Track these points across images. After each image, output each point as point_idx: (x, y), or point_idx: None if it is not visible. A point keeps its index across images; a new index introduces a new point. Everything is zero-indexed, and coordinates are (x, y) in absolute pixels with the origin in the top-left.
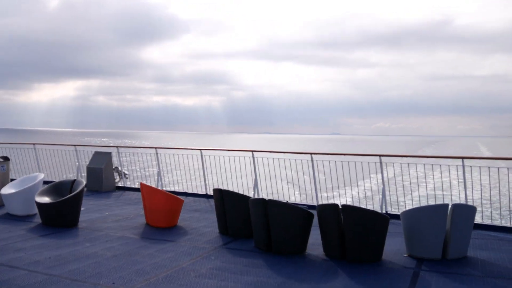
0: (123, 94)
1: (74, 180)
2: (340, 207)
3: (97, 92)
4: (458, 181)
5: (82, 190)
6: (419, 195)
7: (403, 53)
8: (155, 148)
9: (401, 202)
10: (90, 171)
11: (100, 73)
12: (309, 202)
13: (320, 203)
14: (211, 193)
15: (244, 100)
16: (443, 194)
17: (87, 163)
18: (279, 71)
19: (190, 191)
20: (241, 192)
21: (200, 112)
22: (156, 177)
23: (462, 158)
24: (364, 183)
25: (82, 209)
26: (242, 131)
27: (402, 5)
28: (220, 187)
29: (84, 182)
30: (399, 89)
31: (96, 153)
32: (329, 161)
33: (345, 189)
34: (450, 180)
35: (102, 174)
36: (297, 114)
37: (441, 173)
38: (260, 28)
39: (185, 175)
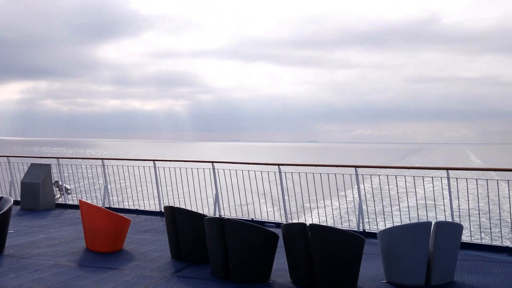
0: (75, 98)
1: (1, 198)
2: (308, 225)
3: (45, 95)
4: (443, 195)
5: (9, 210)
6: (399, 211)
7: (387, 54)
8: (101, 159)
9: (380, 219)
10: (25, 186)
11: (49, 74)
12: (277, 220)
13: (289, 221)
14: None
15: (211, 104)
16: (426, 210)
17: (22, 177)
18: (251, 72)
19: (141, 208)
20: (200, 209)
21: (162, 118)
22: (102, 193)
23: (447, 169)
24: (339, 198)
25: (10, 232)
26: (207, 139)
27: (386, 2)
28: (177, 203)
29: (12, 200)
30: (382, 93)
31: (33, 165)
32: (299, 173)
33: (317, 205)
34: (434, 194)
35: (39, 190)
36: (271, 120)
37: (423, 186)
38: (231, 24)
39: (136, 190)
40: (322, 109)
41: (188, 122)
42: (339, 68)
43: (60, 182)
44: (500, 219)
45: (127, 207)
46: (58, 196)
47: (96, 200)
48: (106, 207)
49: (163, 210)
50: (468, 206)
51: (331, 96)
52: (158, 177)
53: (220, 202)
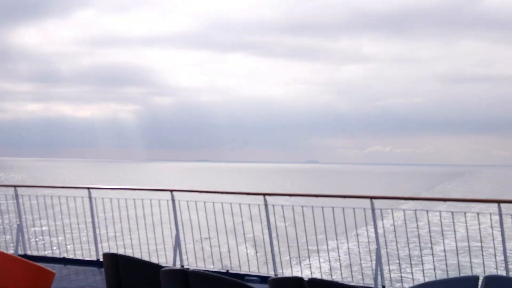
0: None
1: None
2: (306, 280)
3: None
4: (493, 236)
5: None
6: (432, 258)
7: (411, 42)
8: (14, 186)
9: (405, 270)
10: None
11: None
12: (263, 272)
13: (280, 273)
14: None
15: (171, 110)
16: (470, 256)
17: None
18: (225, 67)
19: (71, 256)
20: (155, 257)
21: (102, 128)
22: (14, 234)
23: (499, 202)
24: (348, 240)
25: None
26: (165, 158)
27: None
28: (121, 248)
29: None
30: (405, 96)
31: None
32: (292, 206)
33: (318, 250)
34: (480, 235)
35: None
36: (252, 133)
37: (466, 224)
38: (199, 2)
39: (64, 229)
40: (323, 118)
41: (138, 134)
42: (346, 62)
43: None
44: None
45: (50, 255)
46: None
47: (5, 244)
48: (19, 255)
49: (101, 259)
50: None
51: (335, 101)
52: (95, 211)
53: (183, 246)
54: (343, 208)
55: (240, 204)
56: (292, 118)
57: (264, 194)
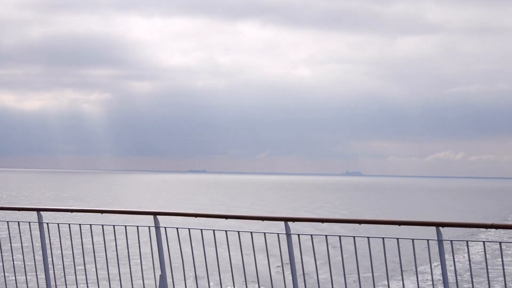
0: None
1: None
2: None
3: None
4: None
5: None
6: None
7: (495, 6)
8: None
9: None
10: None
11: None
12: None
13: None
14: None
15: (155, 100)
16: None
17: None
18: (230, 41)
19: None
20: None
21: (56, 126)
22: None
23: None
24: (403, 284)
25: None
26: (148, 168)
27: None
28: None
29: None
30: (485, 81)
31: None
32: (325, 235)
33: None
34: None
35: None
36: (268, 133)
37: None
38: None
39: (4, 267)
40: (367, 112)
41: (108, 135)
42: (403, 33)
43: None
44: None
45: None
46: None
47: None
48: None
49: None
50: None
51: (386, 88)
52: (48, 240)
53: None
54: (397, 239)
55: (251, 232)
56: (324, 112)
57: (285, 220)
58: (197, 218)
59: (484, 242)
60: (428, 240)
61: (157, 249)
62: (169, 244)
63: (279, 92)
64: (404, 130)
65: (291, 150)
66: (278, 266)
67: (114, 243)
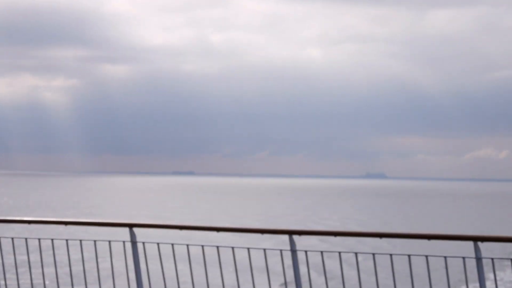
0: None
1: None
2: None
3: None
4: None
5: None
6: None
7: None
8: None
9: None
10: None
11: None
12: None
13: None
14: None
15: (133, 88)
16: None
17: None
18: (226, 15)
19: None
20: None
21: (12, 118)
22: None
23: None
24: None
25: None
26: (124, 169)
27: None
28: None
29: None
30: None
31: None
32: (339, 252)
33: None
34: None
35: None
36: (272, 127)
37: None
38: None
39: None
40: (392, 101)
41: (75, 130)
42: (433, 4)
43: None
44: None
45: None
46: None
47: None
48: None
49: None
50: None
51: (414, 72)
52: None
53: None
54: (426, 256)
55: (248, 248)
56: (338, 103)
57: (290, 233)
58: (183, 230)
59: None
60: (464, 258)
61: (133, 268)
62: (148, 262)
63: (284, 78)
64: (437, 123)
65: (298, 148)
66: None
67: (81, 262)
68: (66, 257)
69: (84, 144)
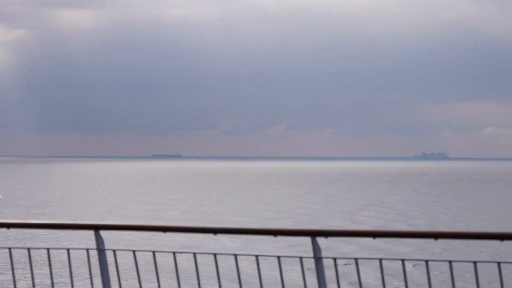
0: None
1: None
2: None
3: None
4: None
5: None
6: None
7: None
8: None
9: None
10: None
11: None
12: None
13: None
14: None
15: (100, 41)
16: None
17: None
18: None
19: None
20: None
21: None
22: None
23: None
24: None
25: None
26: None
27: None
28: None
29: None
30: None
31: None
32: (379, 259)
33: None
34: None
35: None
36: (289, 94)
37: None
38: None
39: None
40: (454, 56)
41: (23, 99)
42: None
43: None
44: None
45: None
46: None
47: None
48: None
49: None
50: None
51: (484, 15)
52: None
53: None
54: (498, 263)
55: (256, 256)
56: (381, 59)
57: (313, 233)
58: (167, 233)
59: None
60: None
61: (101, 283)
62: (120, 277)
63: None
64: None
65: (325, 121)
66: None
67: (31, 278)
68: (10, 272)
69: (34, 120)
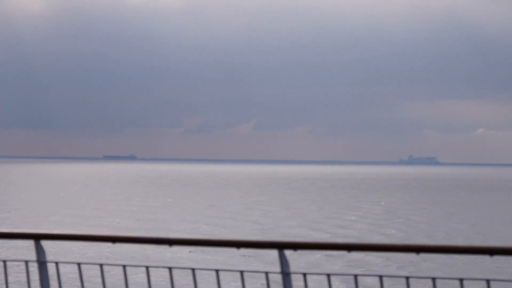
0: None
1: None
2: None
3: None
4: None
5: None
6: None
7: None
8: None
9: None
10: None
11: None
12: None
13: None
14: None
15: (52, 31)
16: None
17: None
18: None
19: None
20: None
21: None
22: None
23: None
24: None
25: None
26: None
27: None
28: None
29: None
30: None
31: None
32: (354, 275)
33: None
34: None
35: None
36: (260, 87)
37: None
38: None
39: None
40: (443, 48)
41: None
42: None
43: None
44: None
45: None
46: None
47: None
48: None
49: None
50: None
51: (475, 3)
52: None
53: None
54: (487, 280)
55: (217, 270)
56: (363, 48)
57: (280, 246)
58: (116, 244)
59: None
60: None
61: None
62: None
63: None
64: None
65: (300, 119)
66: None
67: None
68: None
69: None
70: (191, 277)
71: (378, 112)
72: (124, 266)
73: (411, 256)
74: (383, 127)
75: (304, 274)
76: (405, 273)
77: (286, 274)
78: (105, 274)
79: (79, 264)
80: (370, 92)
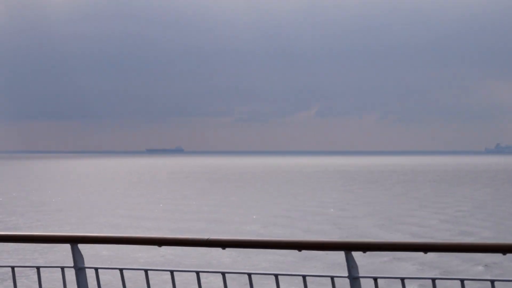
0: None
1: None
2: None
3: None
4: None
5: None
6: None
7: None
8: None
9: None
10: None
11: None
12: None
13: None
14: None
15: (78, 9)
16: None
17: None
18: None
19: None
20: None
21: None
22: None
23: None
24: None
25: None
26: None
27: None
28: None
29: None
30: None
31: None
32: (432, 279)
33: None
34: None
35: None
36: (321, 71)
37: None
38: None
39: None
40: None
41: None
42: None
43: None
44: None
45: None
46: None
47: None
48: None
49: None
50: None
51: None
52: None
53: None
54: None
55: (276, 275)
56: (436, 27)
57: (347, 246)
58: (162, 247)
59: None
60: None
61: None
62: None
63: None
64: None
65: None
66: None
67: None
68: None
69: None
70: (247, 283)
71: (458, 96)
72: (172, 272)
73: (497, 256)
74: (465, 112)
75: (375, 279)
76: (490, 277)
77: (354, 279)
78: (151, 281)
79: (121, 270)
80: (448, 74)
